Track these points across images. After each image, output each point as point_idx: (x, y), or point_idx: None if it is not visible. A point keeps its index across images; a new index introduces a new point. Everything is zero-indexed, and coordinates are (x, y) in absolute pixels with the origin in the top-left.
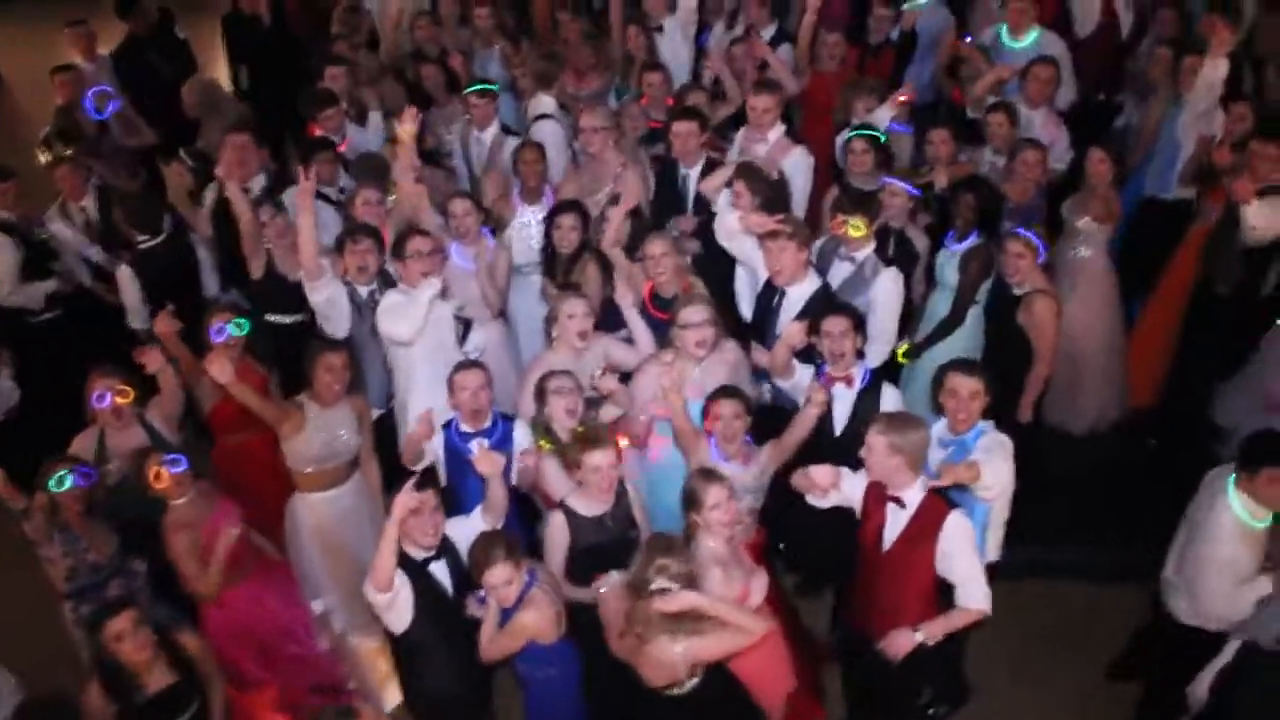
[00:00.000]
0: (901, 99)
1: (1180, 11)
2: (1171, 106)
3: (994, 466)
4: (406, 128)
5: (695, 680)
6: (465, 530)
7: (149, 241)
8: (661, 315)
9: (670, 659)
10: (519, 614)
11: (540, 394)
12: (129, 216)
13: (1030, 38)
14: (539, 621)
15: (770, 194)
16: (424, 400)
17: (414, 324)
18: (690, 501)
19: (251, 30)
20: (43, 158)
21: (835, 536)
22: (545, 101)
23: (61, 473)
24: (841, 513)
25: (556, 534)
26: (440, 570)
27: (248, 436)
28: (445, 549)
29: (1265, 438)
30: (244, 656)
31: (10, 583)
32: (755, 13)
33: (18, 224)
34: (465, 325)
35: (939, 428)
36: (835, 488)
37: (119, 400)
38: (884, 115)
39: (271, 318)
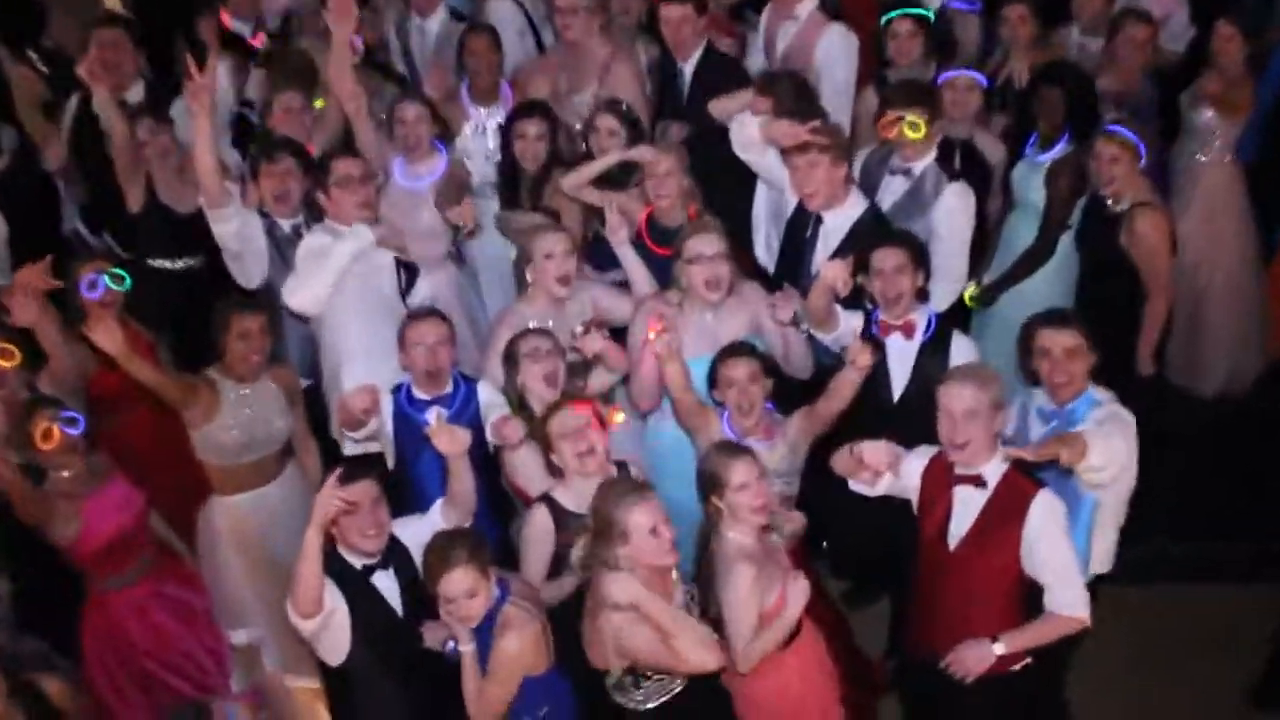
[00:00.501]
0: None
1: None
2: None
3: (1107, 444)
4: (339, 10)
5: (623, 673)
6: (420, 530)
7: None
8: (662, 250)
9: (603, 639)
10: (498, 643)
11: (511, 358)
12: None
13: None
14: (523, 647)
15: (796, 97)
16: (361, 370)
17: (317, 292)
18: (710, 483)
19: None
20: None
21: (891, 531)
22: None
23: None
24: (898, 501)
25: (538, 534)
26: (386, 582)
27: (135, 416)
28: (393, 554)
29: None
30: (116, 676)
31: None
32: None
33: None
34: (409, 271)
35: (1038, 397)
36: (893, 470)
37: (2, 363)
38: None
39: (155, 263)
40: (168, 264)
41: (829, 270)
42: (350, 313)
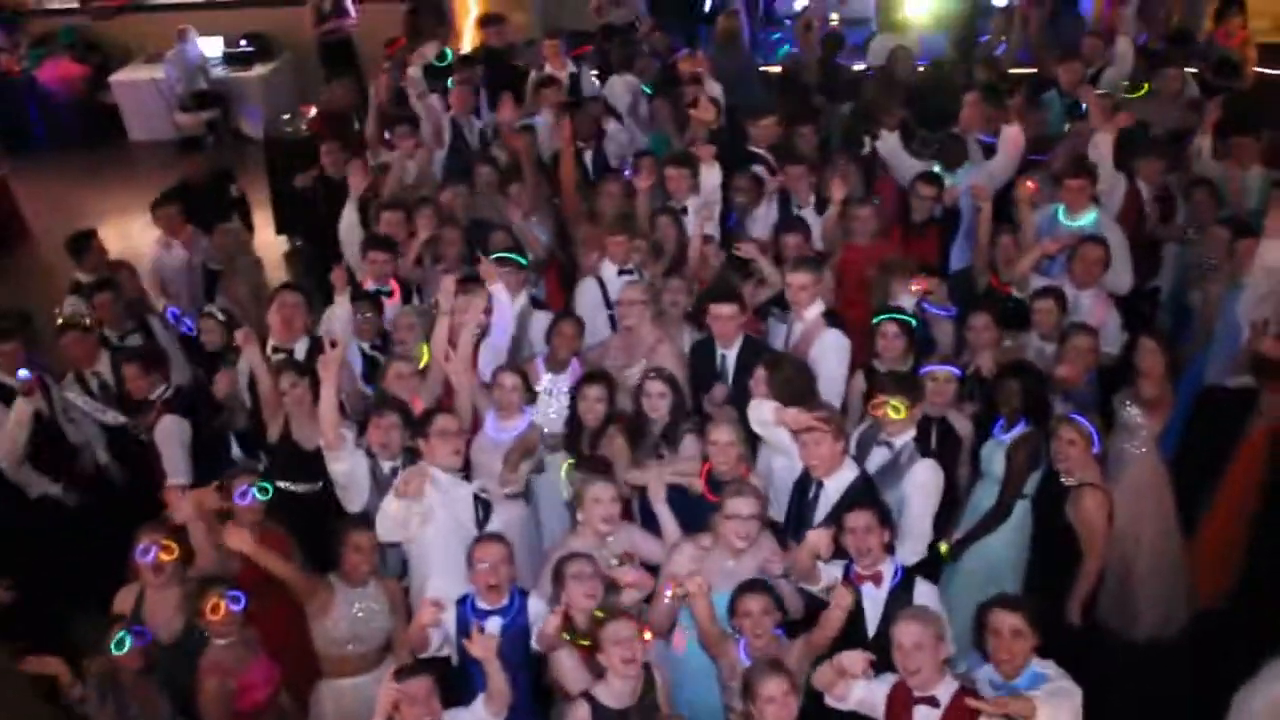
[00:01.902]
0: (914, 288)
1: (1211, 190)
2: (1231, 288)
3: (1056, 712)
4: (447, 294)
5: None
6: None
7: (166, 392)
8: (716, 498)
9: None
10: None
11: (558, 576)
12: (144, 370)
13: (1089, 217)
14: None
15: (794, 388)
16: (440, 584)
17: (393, 527)
18: (745, 690)
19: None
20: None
21: None
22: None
23: (121, 634)
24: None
25: None
26: None
27: (273, 606)
28: None
29: None
30: None
31: None
32: (803, 194)
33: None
34: (485, 507)
35: (987, 670)
36: (867, 675)
37: (163, 556)
38: (906, 299)
39: (284, 485)
40: (294, 487)
41: (812, 538)
42: (432, 539)
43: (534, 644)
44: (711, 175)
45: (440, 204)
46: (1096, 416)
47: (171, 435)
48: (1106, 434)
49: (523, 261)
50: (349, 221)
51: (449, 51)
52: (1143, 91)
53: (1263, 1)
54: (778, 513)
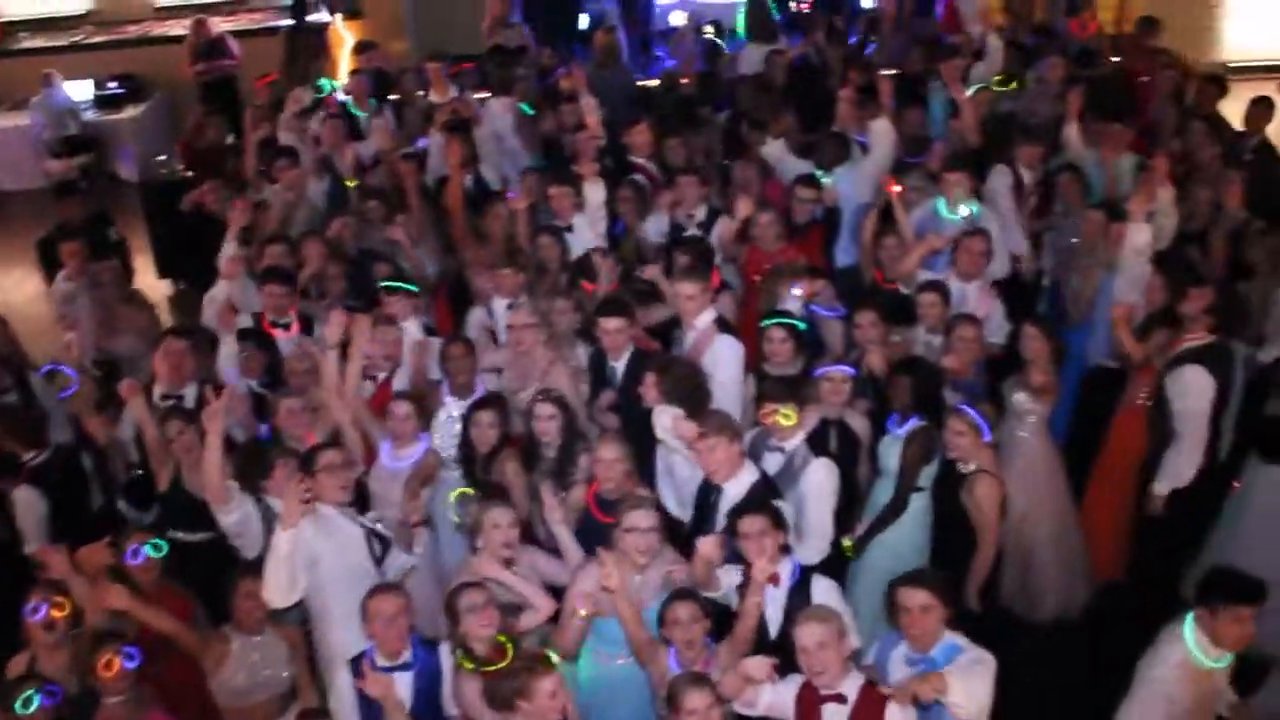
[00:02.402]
0: (798, 291)
1: (1077, 175)
2: (1108, 272)
3: (967, 684)
4: (334, 329)
5: None
6: None
7: (38, 457)
8: (606, 518)
9: None
10: None
11: (451, 611)
12: (12, 431)
13: (970, 208)
14: None
15: (685, 389)
16: (341, 633)
17: (281, 583)
18: (669, 702)
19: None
20: None
21: None
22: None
23: (29, 693)
24: None
25: None
26: None
27: (173, 659)
28: None
29: (1228, 574)
30: None
31: None
32: (690, 201)
33: None
34: (382, 543)
35: (902, 647)
36: (771, 680)
37: (54, 614)
38: (793, 303)
39: (179, 535)
40: (189, 536)
41: (703, 547)
42: (327, 582)
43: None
44: (596, 192)
45: (328, 236)
46: (986, 405)
47: (29, 507)
48: (997, 421)
49: (413, 289)
50: (228, 257)
51: (328, 82)
52: (1013, 86)
53: None
54: (686, 514)
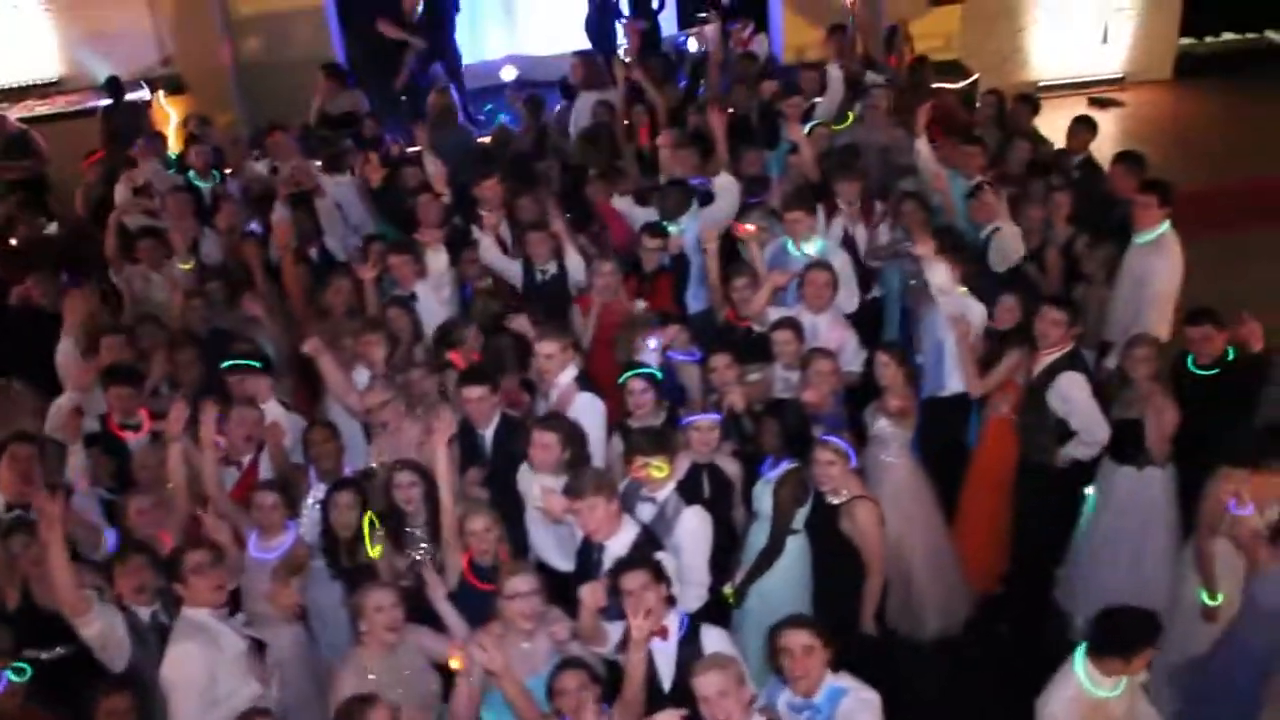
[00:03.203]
0: (652, 343)
1: (920, 202)
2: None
3: None
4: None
5: None
6: None
7: None
8: (484, 585)
9: None
10: None
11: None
12: None
13: (816, 245)
14: None
15: (577, 454)
16: None
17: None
18: None
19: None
20: None
21: None
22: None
23: None
24: None
25: None
26: None
27: None
28: None
29: (1116, 623)
30: None
31: None
32: (542, 257)
33: None
34: (259, 646)
35: (786, 693)
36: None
37: None
38: (651, 354)
39: (34, 654)
40: (41, 654)
41: (586, 595)
42: (203, 685)
43: None
44: (438, 259)
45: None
46: (849, 433)
47: None
48: (860, 448)
49: (257, 365)
50: (68, 355)
51: (173, 157)
52: (849, 122)
53: (934, 24)
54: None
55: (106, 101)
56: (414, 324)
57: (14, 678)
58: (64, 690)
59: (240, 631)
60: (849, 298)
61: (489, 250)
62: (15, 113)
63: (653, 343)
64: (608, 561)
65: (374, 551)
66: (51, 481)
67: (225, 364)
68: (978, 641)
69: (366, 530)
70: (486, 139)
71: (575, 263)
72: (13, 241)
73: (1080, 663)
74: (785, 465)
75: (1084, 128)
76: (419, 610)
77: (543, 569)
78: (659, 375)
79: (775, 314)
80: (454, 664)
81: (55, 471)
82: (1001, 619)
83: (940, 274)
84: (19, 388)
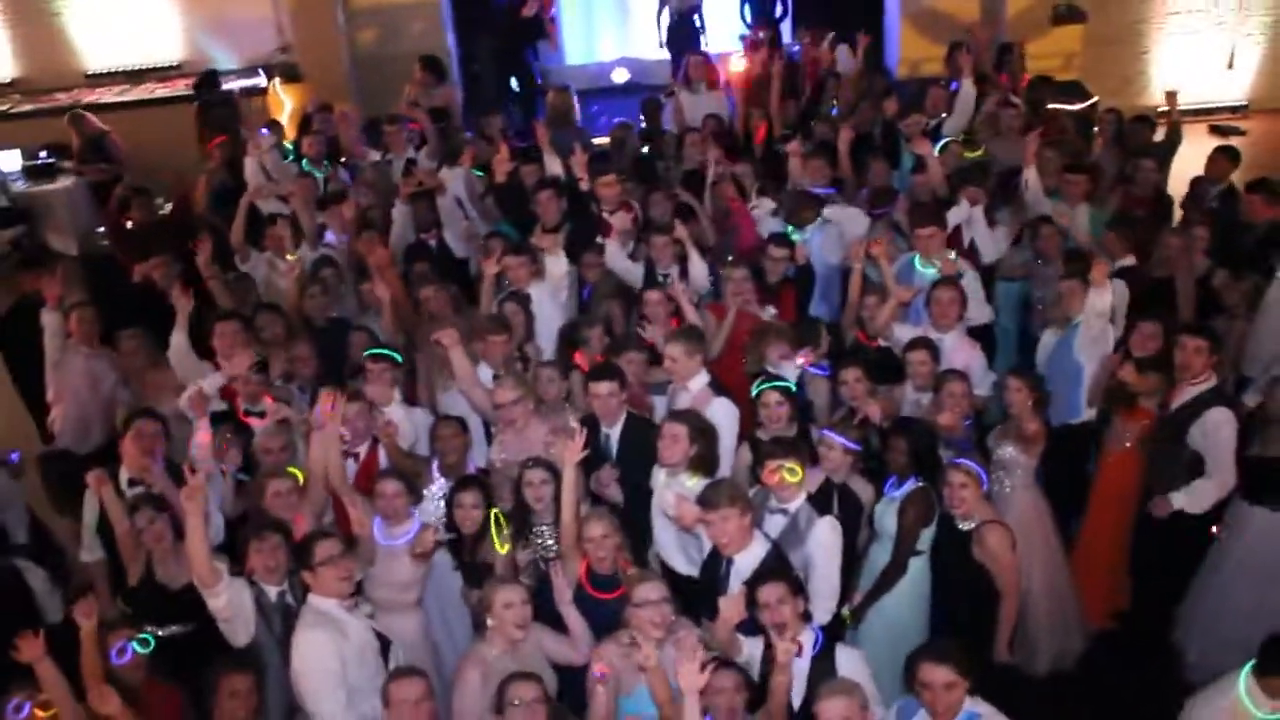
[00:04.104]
0: (800, 361)
1: (1057, 228)
2: (1064, 329)
3: None
4: (325, 411)
5: None
6: None
7: None
8: (600, 594)
9: None
10: None
11: (499, 708)
12: None
13: (930, 270)
14: None
15: (706, 451)
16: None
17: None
18: None
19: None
20: None
21: None
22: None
23: None
24: None
25: None
26: None
27: None
28: None
29: None
30: None
31: None
32: (665, 261)
33: None
34: (383, 641)
35: (923, 717)
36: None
37: (38, 713)
38: (791, 370)
39: (150, 629)
40: (161, 632)
41: (726, 609)
42: (336, 672)
43: None
44: (557, 264)
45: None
46: (978, 456)
47: None
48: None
49: (398, 358)
50: (179, 348)
51: (289, 146)
52: (979, 153)
53: (1055, 43)
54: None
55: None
56: (529, 322)
57: (139, 649)
58: (181, 667)
59: (365, 623)
60: (979, 309)
61: (615, 256)
62: (135, 94)
63: (799, 359)
64: (735, 576)
65: (501, 549)
66: (174, 460)
67: (370, 351)
68: (1089, 678)
69: (494, 528)
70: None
71: (699, 269)
72: (128, 224)
73: (1245, 679)
74: (911, 485)
75: (1225, 157)
76: (538, 610)
77: (664, 570)
78: (794, 389)
79: (901, 331)
80: (601, 689)
81: (178, 451)
82: (1115, 656)
83: (1104, 300)
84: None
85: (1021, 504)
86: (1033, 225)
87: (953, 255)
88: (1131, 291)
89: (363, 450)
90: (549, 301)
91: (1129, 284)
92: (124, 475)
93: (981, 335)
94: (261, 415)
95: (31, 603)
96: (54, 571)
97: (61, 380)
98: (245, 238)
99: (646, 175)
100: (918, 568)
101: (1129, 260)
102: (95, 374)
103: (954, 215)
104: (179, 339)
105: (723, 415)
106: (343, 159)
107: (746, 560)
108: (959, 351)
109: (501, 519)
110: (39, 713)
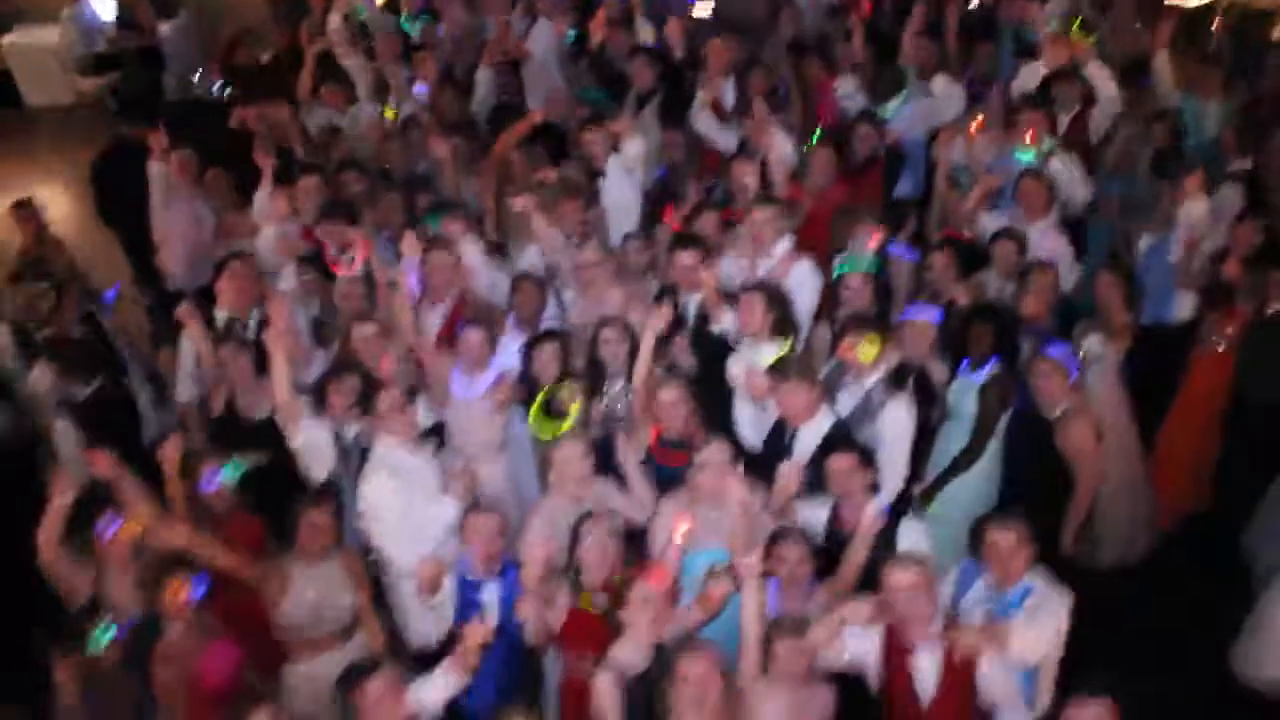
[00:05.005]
0: (873, 244)
1: (1173, 124)
2: (1162, 233)
3: (1033, 631)
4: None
5: None
6: (431, 694)
7: (86, 390)
8: (671, 460)
9: None
10: None
11: (576, 535)
12: (65, 366)
13: (1041, 150)
14: None
15: (784, 316)
16: (409, 558)
17: (322, 464)
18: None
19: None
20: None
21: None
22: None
23: (100, 629)
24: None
25: (606, 699)
26: None
27: (233, 594)
28: None
29: None
30: None
31: None
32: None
33: None
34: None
35: (978, 584)
36: (872, 624)
37: (125, 532)
38: (871, 252)
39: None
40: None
41: (784, 478)
42: (403, 519)
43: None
44: (633, 145)
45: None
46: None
47: (64, 438)
48: None
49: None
50: (263, 200)
51: (361, 7)
52: (1093, 39)
53: None
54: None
55: None
56: (594, 193)
57: (226, 477)
58: (264, 501)
59: (434, 465)
60: (1077, 188)
61: (704, 119)
62: None
63: (881, 240)
64: (798, 447)
65: (572, 406)
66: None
67: (437, 203)
68: (1151, 577)
69: (565, 383)
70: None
71: (782, 149)
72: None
73: None
74: (991, 368)
75: None
76: (606, 467)
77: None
78: (877, 271)
79: (989, 221)
80: (678, 539)
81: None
82: (1182, 560)
83: (1199, 208)
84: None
85: (1103, 397)
86: (1152, 119)
87: (1048, 144)
88: (1248, 196)
89: (448, 300)
90: (624, 181)
91: (1246, 187)
92: (219, 314)
93: (1075, 228)
94: (350, 263)
95: (137, 418)
96: (157, 394)
97: (168, 223)
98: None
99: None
100: (991, 451)
101: (1245, 163)
102: (199, 216)
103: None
104: (264, 192)
105: (806, 277)
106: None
107: (811, 432)
108: (1047, 242)
109: (573, 375)
110: (127, 529)
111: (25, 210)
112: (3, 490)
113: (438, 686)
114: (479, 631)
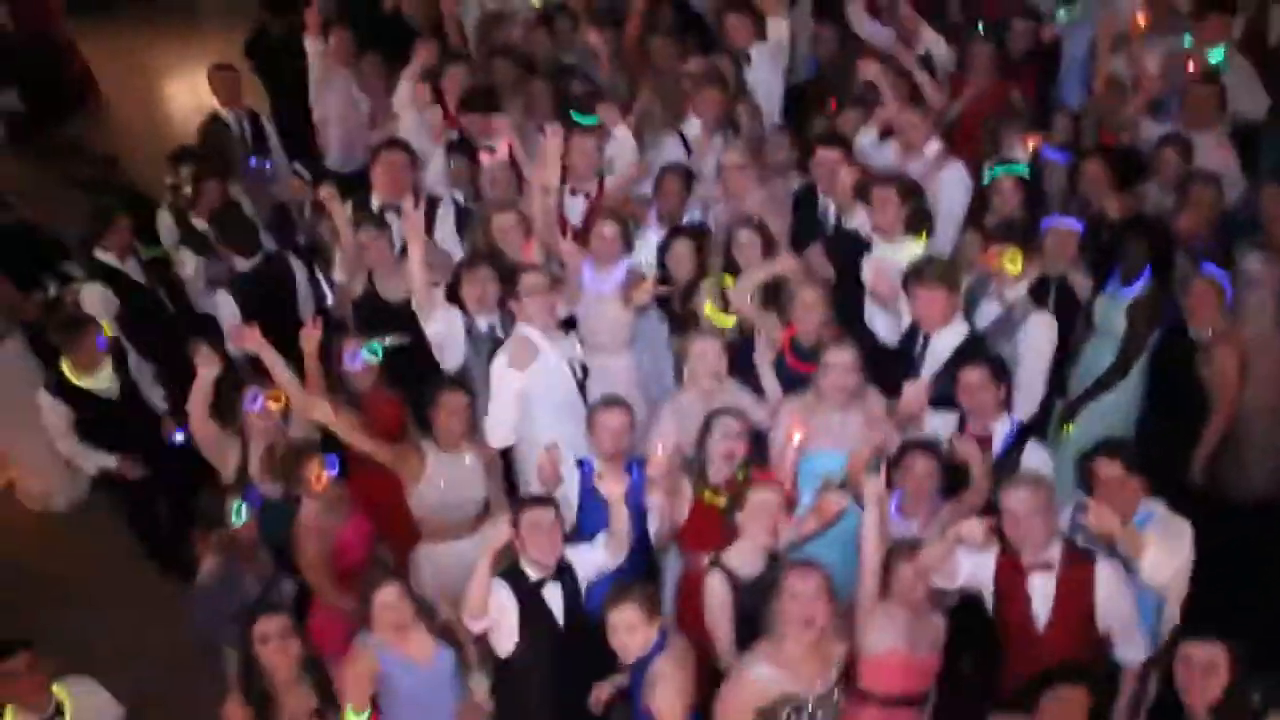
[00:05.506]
0: (1031, 145)
1: None
2: None
3: (1161, 554)
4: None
5: None
6: (587, 557)
7: (247, 262)
8: (802, 366)
9: None
10: (654, 697)
11: (707, 427)
12: (225, 236)
13: (1217, 55)
14: (671, 702)
15: (919, 209)
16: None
17: (506, 422)
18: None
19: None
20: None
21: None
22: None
23: (238, 504)
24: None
25: (717, 599)
26: (554, 593)
27: (369, 474)
28: (562, 573)
29: None
30: None
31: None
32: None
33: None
34: (583, 369)
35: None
36: (989, 544)
37: (270, 404)
38: (1021, 153)
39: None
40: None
41: (908, 398)
42: (536, 411)
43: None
44: (778, 27)
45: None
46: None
47: (221, 310)
48: None
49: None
50: (406, 92)
51: None
52: None
53: None
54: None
55: None
56: (741, 82)
57: (368, 356)
58: (403, 379)
59: (565, 353)
60: (1252, 98)
61: (859, 17)
62: None
63: (1034, 143)
64: (930, 356)
65: (707, 306)
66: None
67: (582, 98)
68: None
69: (706, 282)
70: None
71: (940, 49)
72: None
73: None
74: (1143, 284)
75: None
76: (738, 368)
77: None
78: (1027, 174)
79: (1151, 128)
80: (796, 438)
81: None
82: None
83: None
84: None
85: (1258, 319)
86: None
87: (1221, 50)
88: None
89: (590, 188)
90: (769, 64)
91: None
92: (374, 201)
93: (1246, 139)
94: (493, 151)
95: (294, 291)
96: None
97: (325, 102)
98: None
99: None
100: (1138, 368)
101: None
102: (354, 96)
103: None
104: (405, 86)
105: (957, 179)
106: None
107: (945, 340)
108: (1213, 153)
109: (710, 274)
110: (271, 404)
111: (226, 73)
112: None
113: (593, 557)
114: (609, 481)
